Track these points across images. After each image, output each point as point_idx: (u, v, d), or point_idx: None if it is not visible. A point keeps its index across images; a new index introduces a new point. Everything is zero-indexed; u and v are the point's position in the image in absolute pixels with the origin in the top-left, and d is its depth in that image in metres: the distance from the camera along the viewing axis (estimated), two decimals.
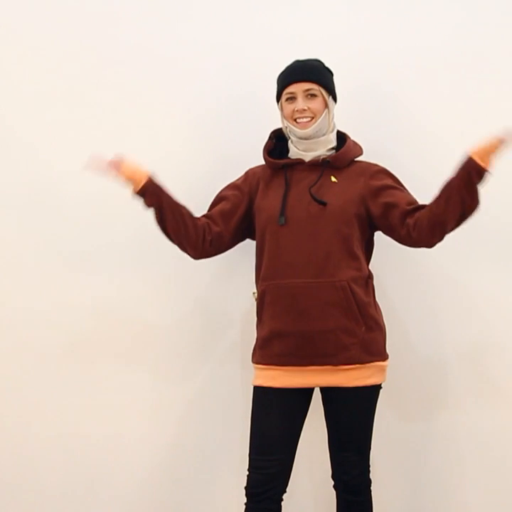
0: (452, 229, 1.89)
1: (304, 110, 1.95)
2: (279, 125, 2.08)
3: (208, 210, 2.07)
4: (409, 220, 1.90)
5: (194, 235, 1.97)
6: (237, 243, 2.09)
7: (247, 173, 2.10)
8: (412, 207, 1.92)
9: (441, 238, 1.91)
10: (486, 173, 1.80)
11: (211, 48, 2.39)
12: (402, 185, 2.01)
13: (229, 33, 2.39)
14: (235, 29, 2.39)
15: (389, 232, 1.98)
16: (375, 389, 1.96)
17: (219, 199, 2.07)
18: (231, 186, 2.08)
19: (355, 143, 2.05)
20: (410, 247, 1.97)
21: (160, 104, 2.41)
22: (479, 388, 2.33)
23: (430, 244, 1.93)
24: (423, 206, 1.91)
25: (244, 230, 2.06)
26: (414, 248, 1.97)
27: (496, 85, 2.34)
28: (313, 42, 2.31)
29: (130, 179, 1.94)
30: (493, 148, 1.79)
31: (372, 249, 2.06)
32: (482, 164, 1.79)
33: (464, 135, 2.32)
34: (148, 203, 1.95)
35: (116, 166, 1.93)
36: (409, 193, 1.99)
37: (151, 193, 1.93)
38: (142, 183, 1.93)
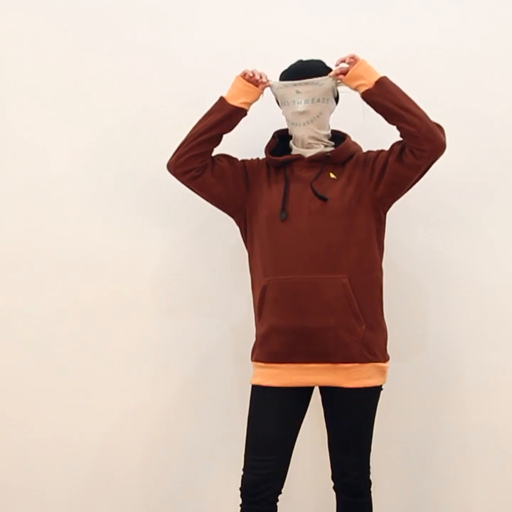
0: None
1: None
2: (280, 126, 2.08)
3: None
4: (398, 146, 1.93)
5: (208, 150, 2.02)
6: (215, 192, 2.05)
7: (256, 159, 2.11)
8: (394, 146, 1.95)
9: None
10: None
11: (214, 46, 2.39)
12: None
13: (231, 32, 2.39)
14: (238, 28, 2.39)
15: (405, 174, 1.93)
16: (376, 390, 1.95)
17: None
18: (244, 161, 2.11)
19: (354, 142, 2.05)
20: (433, 161, 1.93)
21: (160, 103, 2.40)
22: (481, 389, 2.32)
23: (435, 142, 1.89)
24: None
25: (232, 191, 2.04)
26: (435, 159, 1.92)
27: (496, 84, 2.34)
28: (314, 42, 2.31)
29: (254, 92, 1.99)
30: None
31: (381, 244, 2.02)
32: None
33: (464, 135, 2.33)
34: (228, 108, 1.99)
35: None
36: None
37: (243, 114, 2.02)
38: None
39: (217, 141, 2.02)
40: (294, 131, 2.00)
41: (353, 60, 1.92)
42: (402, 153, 1.91)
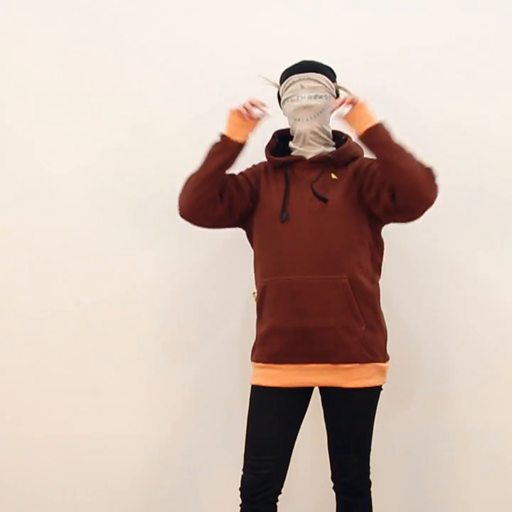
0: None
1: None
2: (280, 126, 2.08)
3: None
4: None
5: (217, 193, 1.96)
6: (229, 222, 2.04)
7: (252, 167, 2.10)
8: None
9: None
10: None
11: (214, 48, 2.40)
12: None
13: (232, 33, 2.40)
14: (238, 29, 2.40)
15: (387, 213, 1.92)
16: (375, 390, 1.94)
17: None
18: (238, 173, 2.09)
19: (356, 143, 2.05)
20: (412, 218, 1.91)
21: (161, 104, 2.41)
22: (480, 389, 2.32)
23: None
24: None
25: (242, 212, 2.02)
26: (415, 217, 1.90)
27: (499, 85, 2.34)
28: (316, 42, 2.31)
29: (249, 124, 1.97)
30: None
31: (381, 246, 2.02)
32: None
33: (467, 133, 2.33)
34: (233, 147, 1.95)
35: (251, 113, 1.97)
36: None
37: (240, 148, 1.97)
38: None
39: (224, 177, 1.99)
40: (296, 127, 2.00)
41: (352, 103, 1.91)
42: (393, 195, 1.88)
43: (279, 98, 2.06)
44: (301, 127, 1.98)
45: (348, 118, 1.92)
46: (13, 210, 2.43)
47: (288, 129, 2.07)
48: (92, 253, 2.41)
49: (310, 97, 1.96)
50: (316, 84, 1.96)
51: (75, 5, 2.43)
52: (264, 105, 1.98)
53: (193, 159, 2.37)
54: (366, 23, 2.38)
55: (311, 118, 1.97)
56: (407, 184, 1.82)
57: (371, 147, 1.88)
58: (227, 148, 1.95)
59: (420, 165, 1.86)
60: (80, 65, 2.43)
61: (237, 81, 2.37)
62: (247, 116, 1.96)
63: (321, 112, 1.97)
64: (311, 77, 1.96)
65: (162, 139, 2.41)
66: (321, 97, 1.96)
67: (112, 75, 2.42)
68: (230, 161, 1.96)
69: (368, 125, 1.88)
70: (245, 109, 1.96)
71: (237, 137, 1.96)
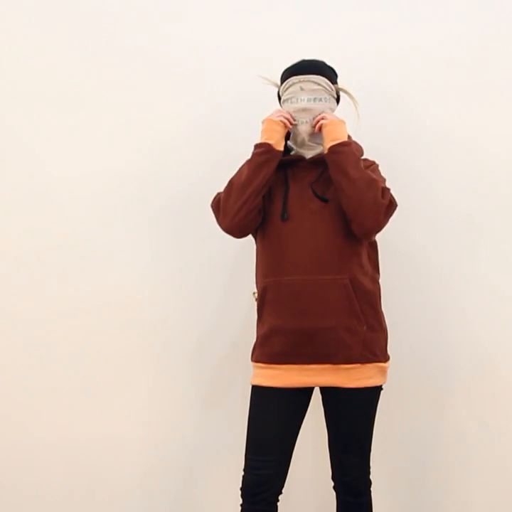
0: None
1: None
2: None
3: None
4: None
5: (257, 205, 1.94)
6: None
7: None
8: None
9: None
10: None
11: (214, 48, 2.40)
12: (377, 168, 2.02)
13: (232, 33, 2.40)
14: (239, 30, 2.40)
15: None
16: (376, 390, 1.94)
17: None
18: None
19: (356, 144, 2.04)
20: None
21: (161, 105, 2.41)
22: (480, 389, 2.32)
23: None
24: None
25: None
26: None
27: (500, 85, 2.34)
28: (316, 42, 2.31)
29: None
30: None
31: (375, 244, 2.03)
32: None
33: (467, 135, 2.34)
34: (278, 156, 1.93)
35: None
36: (379, 174, 1.99)
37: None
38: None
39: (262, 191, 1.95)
40: (295, 129, 2.00)
41: (323, 122, 1.94)
42: None
43: (279, 97, 2.06)
44: (300, 129, 1.98)
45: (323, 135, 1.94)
46: (13, 210, 2.42)
47: None
48: (92, 253, 2.41)
49: (309, 100, 1.95)
50: (315, 87, 1.96)
51: (74, 7, 2.43)
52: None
53: (195, 159, 2.39)
54: (366, 23, 2.37)
55: (310, 120, 1.97)
56: (348, 209, 1.86)
57: (329, 165, 1.90)
58: (273, 158, 1.93)
59: (372, 196, 1.85)
60: (79, 66, 2.42)
61: (238, 81, 2.38)
62: (288, 125, 1.96)
63: (319, 115, 1.97)
64: (311, 79, 1.95)
65: (164, 138, 2.41)
66: (320, 99, 1.96)
67: (111, 75, 2.42)
68: (274, 170, 1.94)
69: (330, 144, 1.90)
70: (286, 119, 1.95)
71: (279, 147, 1.95)
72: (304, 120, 1.97)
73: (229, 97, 2.39)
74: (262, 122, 1.98)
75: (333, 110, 2.01)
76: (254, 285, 2.04)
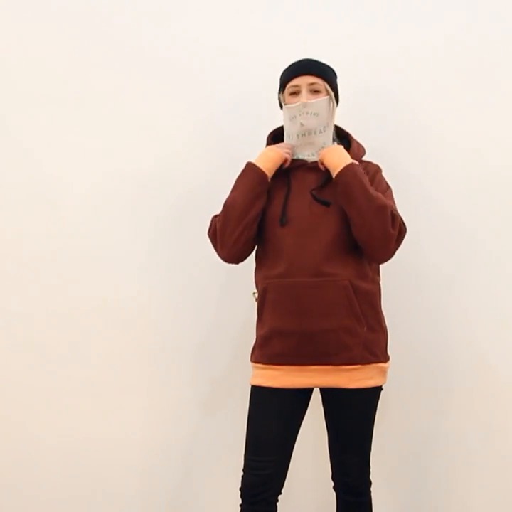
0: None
1: None
2: (276, 126, 2.07)
3: None
4: None
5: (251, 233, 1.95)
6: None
7: None
8: None
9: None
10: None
11: (214, 49, 2.40)
12: (387, 187, 2.00)
13: (232, 34, 2.40)
14: (239, 30, 2.40)
15: None
16: (376, 391, 1.94)
17: None
18: None
19: (358, 144, 2.04)
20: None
21: (161, 106, 2.41)
22: (480, 389, 2.32)
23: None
24: None
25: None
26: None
27: (499, 85, 2.34)
28: (316, 43, 2.30)
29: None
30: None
31: None
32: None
33: (467, 135, 2.33)
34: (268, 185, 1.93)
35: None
36: (390, 196, 1.98)
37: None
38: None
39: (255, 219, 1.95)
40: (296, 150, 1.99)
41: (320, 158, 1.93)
42: None
43: (280, 99, 2.05)
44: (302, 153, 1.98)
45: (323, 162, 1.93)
46: (14, 211, 2.42)
47: (281, 127, 2.04)
48: (91, 254, 2.41)
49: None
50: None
51: (73, 7, 2.43)
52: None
53: (195, 160, 2.39)
54: (366, 24, 2.37)
55: (313, 153, 1.97)
56: (358, 239, 1.87)
57: (337, 195, 1.89)
58: (266, 187, 1.93)
59: (381, 228, 1.84)
60: (79, 66, 2.42)
61: (238, 81, 2.38)
62: (286, 164, 1.96)
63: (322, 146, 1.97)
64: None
65: (164, 139, 2.41)
66: (320, 131, 1.94)
67: (111, 75, 2.42)
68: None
69: (334, 174, 1.88)
70: (287, 154, 1.95)
71: (271, 173, 1.94)
72: (307, 154, 1.97)
73: (229, 96, 2.39)
74: (269, 149, 1.96)
75: (332, 107, 1.98)
76: (254, 285, 2.04)
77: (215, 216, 1.99)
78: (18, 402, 2.41)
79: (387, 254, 1.89)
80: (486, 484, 2.34)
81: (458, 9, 2.35)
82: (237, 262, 1.99)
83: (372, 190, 1.87)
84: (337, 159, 1.90)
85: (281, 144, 1.98)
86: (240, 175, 1.96)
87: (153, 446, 2.40)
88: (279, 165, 1.96)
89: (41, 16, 2.43)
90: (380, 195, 1.88)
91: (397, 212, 1.90)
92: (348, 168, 1.87)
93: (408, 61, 2.35)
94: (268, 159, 1.95)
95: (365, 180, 1.88)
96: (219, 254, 1.97)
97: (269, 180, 1.94)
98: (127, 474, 2.40)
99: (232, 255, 1.96)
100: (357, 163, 1.90)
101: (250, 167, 1.95)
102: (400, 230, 1.88)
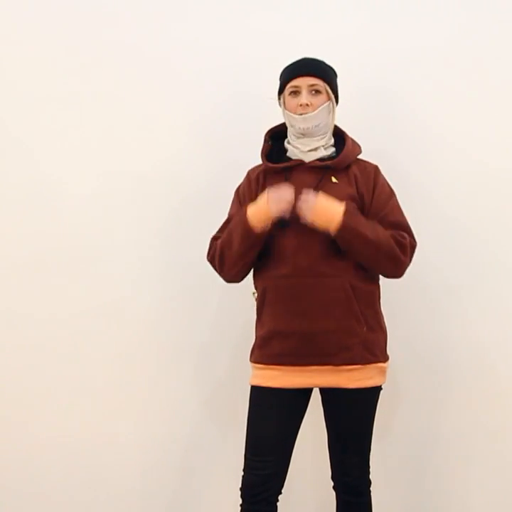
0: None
1: (308, 105, 1.92)
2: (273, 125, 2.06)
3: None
4: None
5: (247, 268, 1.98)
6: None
7: (248, 176, 2.06)
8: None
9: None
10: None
11: (214, 49, 2.40)
12: (391, 192, 1.99)
13: (231, 34, 2.39)
14: (238, 30, 2.40)
15: None
16: (376, 390, 1.94)
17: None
18: (235, 202, 2.05)
19: (353, 142, 2.03)
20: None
21: (161, 106, 2.41)
22: (480, 389, 2.33)
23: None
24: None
25: None
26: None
27: (499, 86, 2.34)
28: (316, 43, 2.30)
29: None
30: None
31: None
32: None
33: (467, 135, 2.33)
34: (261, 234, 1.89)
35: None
36: (395, 205, 1.97)
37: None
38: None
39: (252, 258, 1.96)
40: (295, 123, 1.96)
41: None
42: None
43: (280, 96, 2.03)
44: (299, 124, 1.96)
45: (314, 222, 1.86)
46: (13, 211, 2.42)
47: (279, 126, 2.04)
48: (91, 254, 2.41)
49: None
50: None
51: (72, 7, 2.43)
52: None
53: (193, 160, 2.39)
54: (366, 24, 2.37)
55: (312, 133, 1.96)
56: (371, 270, 1.93)
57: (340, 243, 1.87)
58: (263, 240, 1.90)
59: (393, 262, 1.89)
60: (78, 66, 2.42)
61: (238, 81, 2.38)
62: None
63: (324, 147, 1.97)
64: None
65: (162, 140, 2.41)
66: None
67: (111, 76, 2.42)
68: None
69: (332, 234, 1.85)
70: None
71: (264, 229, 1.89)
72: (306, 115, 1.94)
73: (229, 96, 2.39)
74: (267, 200, 1.86)
75: (332, 108, 1.98)
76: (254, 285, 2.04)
77: (214, 238, 2.00)
78: (18, 402, 2.41)
79: (400, 275, 1.95)
80: (485, 484, 2.34)
81: (458, 9, 2.35)
82: (239, 282, 2.02)
83: (374, 233, 1.86)
84: (325, 219, 1.84)
85: (281, 199, 1.87)
86: (237, 222, 1.91)
87: (153, 446, 2.40)
88: (269, 222, 1.88)
89: (41, 16, 2.43)
90: (381, 232, 1.87)
91: (406, 228, 1.94)
92: (343, 227, 1.83)
93: (408, 61, 2.35)
94: (261, 218, 1.87)
95: (362, 223, 1.86)
96: (220, 277, 2.01)
97: (264, 237, 1.90)
98: (127, 474, 2.41)
99: (233, 280, 2.01)
100: (345, 210, 1.84)
101: (248, 224, 1.87)
102: (412, 249, 1.93)
